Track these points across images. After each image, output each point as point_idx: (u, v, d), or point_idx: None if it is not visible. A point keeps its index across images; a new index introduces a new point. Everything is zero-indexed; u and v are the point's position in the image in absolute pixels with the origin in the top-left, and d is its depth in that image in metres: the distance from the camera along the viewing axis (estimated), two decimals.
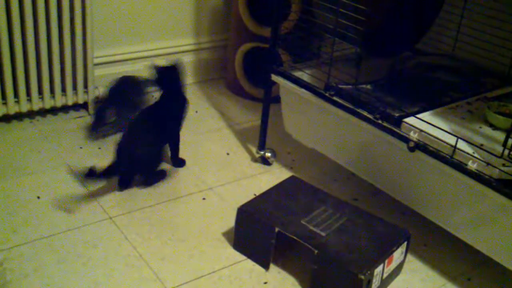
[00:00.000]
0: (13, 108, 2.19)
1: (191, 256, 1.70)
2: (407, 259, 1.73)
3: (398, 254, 1.65)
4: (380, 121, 1.73)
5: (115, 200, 1.90)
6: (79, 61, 2.27)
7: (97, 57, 2.43)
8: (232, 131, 2.44)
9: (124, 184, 1.95)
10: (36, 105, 2.24)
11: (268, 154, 2.21)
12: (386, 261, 1.59)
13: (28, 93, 2.21)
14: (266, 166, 2.21)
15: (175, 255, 1.69)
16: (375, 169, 1.86)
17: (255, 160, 2.24)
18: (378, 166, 1.85)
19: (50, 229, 1.72)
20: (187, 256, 1.69)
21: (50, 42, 2.18)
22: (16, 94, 2.19)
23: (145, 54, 2.61)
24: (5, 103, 2.18)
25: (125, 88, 2.19)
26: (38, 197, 1.86)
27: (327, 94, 1.88)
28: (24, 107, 2.21)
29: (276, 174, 2.15)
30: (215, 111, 2.60)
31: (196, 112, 2.56)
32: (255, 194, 1.91)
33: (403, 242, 1.66)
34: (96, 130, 2.19)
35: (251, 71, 2.70)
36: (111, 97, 2.18)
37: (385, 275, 1.61)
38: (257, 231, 1.70)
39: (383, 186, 1.85)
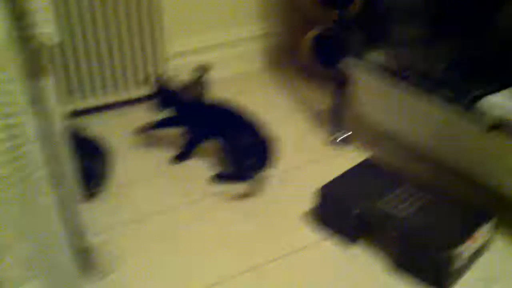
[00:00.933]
0: (101, 99, 2.33)
1: (273, 237, 1.75)
2: (491, 239, 1.71)
3: (481, 234, 1.63)
4: (454, 102, 1.71)
5: (203, 184, 1.99)
6: (150, 54, 2.36)
7: (167, 50, 2.50)
8: (306, 114, 2.47)
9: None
10: (123, 95, 2.36)
11: (343, 136, 2.23)
12: (469, 240, 1.58)
13: (115, 85, 2.34)
14: (341, 149, 2.23)
15: (258, 236, 1.76)
16: (452, 150, 1.84)
17: (330, 142, 2.26)
18: (455, 147, 1.82)
19: (141, 211, 1.84)
20: (269, 237, 1.75)
21: (121, 36, 2.28)
22: (93, 89, 2.32)
23: (215, 42, 2.67)
24: (94, 95, 2.32)
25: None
26: (129, 183, 1.97)
27: (399, 76, 1.87)
28: (112, 98, 2.34)
29: (352, 156, 2.15)
30: (287, 95, 2.63)
31: (271, 95, 2.61)
32: (332, 176, 1.93)
33: (486, 222, 1.64)
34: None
35: (322, 53, 2.70)
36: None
37: (467, 255, 1.60)
38: (337, 213, 1.73)
39: (461, 167, 1.83)
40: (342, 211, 1.71)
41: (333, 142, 2.24)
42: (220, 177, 1.99)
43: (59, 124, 1.40)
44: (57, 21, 1.26)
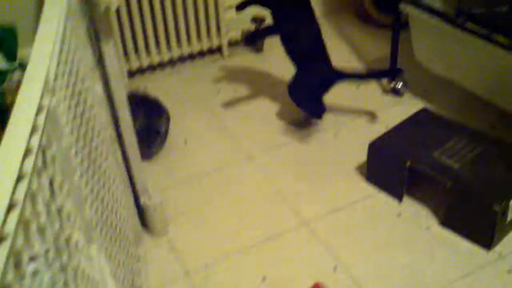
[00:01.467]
0: (155, 58, 2.39)
1: (325, 191, 1.80)
2: None
3: None
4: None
5: (257, 140, 2.04)
6: (211, 7, 2.39)
7: (227, 1, 2.52)
8: (362, 62, 2.45)
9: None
10: (176, 53, 2.42)
11: (399, 85, 2.20)
12: None
13: (168, 43, 2.40)
14: (397, 97, 2.21)
15: (310, 190, 1.81)
16: (508, 96, 1.79)
17: (386, 91, 2.24)
18: (508, 88, 1.77)
19: (197, 170, 1.92)
20: (322, 191, 1.80)
21: None
22: (157, 45, 2.39)
23: None
24: (149, 54, 2.38)
25: None
26: (185, 141, 2.06)
27: (458, 21, 1.81)
28: (166, 56, 2.41)
29: (408, 105, 2.13)
30: (344, 43, 2.60)
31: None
32: (387, 127, 1.93)
33: None
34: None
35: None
36: None
37: None
38: (389, 166, 1.75)
39: None
40: (393, 165, 1.72)
41: (391, 90, 2.22)
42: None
43: (121, 86, 1.49)
44: None
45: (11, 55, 1.73)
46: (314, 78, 1.98)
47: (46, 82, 0.83)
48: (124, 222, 1.44)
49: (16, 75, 1.69)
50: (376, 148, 1.76)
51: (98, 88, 1.37)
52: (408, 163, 1.66)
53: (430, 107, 2.10)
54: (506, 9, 1.84)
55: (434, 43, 1.99)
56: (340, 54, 2.50)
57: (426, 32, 1.99)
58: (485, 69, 1.85)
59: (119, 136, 1.55)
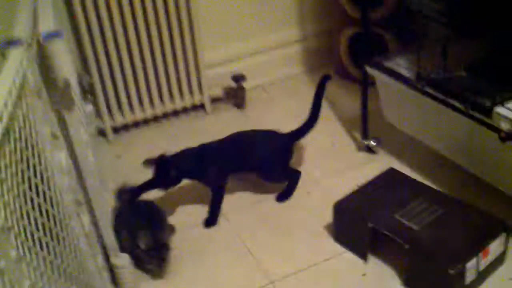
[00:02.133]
0: (139, 115, 2.48)
1: (295, 250, 1.84)
2: (506, 251, 1.71)
3: (495, 246, 1.64)
4: (470, 112, 1.71)
5: (231, 198, 2.09)
6: (191, 65, 2.49)
7: (207, 59, 2.61)
8: (338, 119, 2.51)
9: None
10: (159, 109, 2.51)
11: (373, 143, 2.26)
12: (481, 254, 1.59)
13: (151, 100, 2.49)
14: (371, 155, 2.26)
15: (281, 249, 1.85)
16: (473, 158, 1.84)
17: (360, 149, 2.30)
18: (475, 155, 1.82)
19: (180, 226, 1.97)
20: (292, 250, 1.84)
21: (164, 51, 2.42)
22: (140, 102, 2.48)
23: (253, 49, 2.75)
24: (132, 111, 2.47)
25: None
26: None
27: (418, 85, 1.88)
28: (149, 112, 2.50)
29: (382, 162, 2.18)
30: (323, 99, 2.67)
31: (303, 101, 2.65)
32: (357, 186, 1.98)
33: (500, 233, 1.64)
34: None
35: (357, 55, 2.73)
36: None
37: (481, 268, 1.61)
38: (352, 226, 1.79)
39: (482, 175, 1.83)
40: (356, 226, 1.77)
41: (365, 147, 2.28)
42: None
43: (87, 153, 1.56)
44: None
45: None
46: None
47: None
48: (87, 285, 1.48)
49: None
50: (340, 209, 1.81)
51: (62, 156, 1.44)
52: (370, 225, 1.71)
53: (403, 165, 2.16)
54: (465, 72, 1.91)
55: (399, 105, 2.06)
56: (322, 110, 2.57)
57: (391, 94, 2.06)
58: (445, 131, 1.90)
59: (89, 200, 1.62)
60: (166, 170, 1.90)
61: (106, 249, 1.69)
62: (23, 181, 1.16)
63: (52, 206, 1.30)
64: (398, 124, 2.13)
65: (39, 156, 1.28)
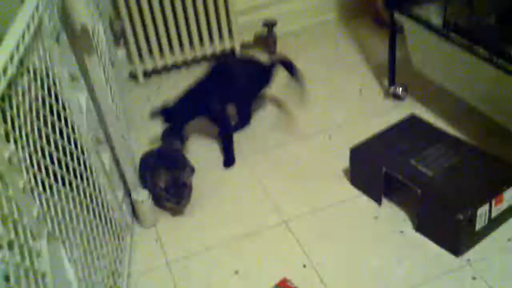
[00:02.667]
0: (169, 60, 2.53)
1: (310, 191, 1.88)
2: None
3: (509, 194, 1.62)
4: (495, 59, 1.66)
5: (251, 141, 2.15)
6: (222, 11, 2.50)
7: (238, 5, 2.61)
8: (369, 66, 2.48)
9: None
10: (189, 55, 2.55)
11: (399, 90, 2.23)
12: (494, 200, 1.58)
13: (181, 46, 2.53)
14: (398, 102, 2.24)
15: (296, 190, 1.90)
16: (497, 106, 1.80)
17: (387, 96, 2.28)
18: (500, 104, 1.78)
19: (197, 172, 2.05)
20: (307, 191, 1.89)
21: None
22: (171, 48, 2.53)
23: None
24: (162, 56, 2.53)
25: None
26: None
27: (444, 32, 1.83)
28: (179, 58, 2.54)
29: (408, 110, 2.15)
30: (356, 46, 2.64)
31: (336, 48, 2.64)
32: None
33: None
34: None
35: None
36: None
37: (493, 215, 1.61)
38: (368, 170, 1.80)
39: (506, 124, 1.79)
40: (371, 170, 1.78)
41: (393, 94, 2.25)
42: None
43: (106, 95, 1.63)
44: None
45: None
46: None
47: None
48: (106, 216, 1.59)
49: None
50: (357, 153, 1.83)
51: (81, 96, 1.52)
52: (384, 169, 1.72)
53: (429, 112, 2.13)
54: (493, 20, 1.84)
55: (427, 52, 2.02)
56: (348, 58, 2.56)
57: (419, 40, 2.01)
58: (473, 80, 1.86)
59: (110, 139, 1.70)
60: (173, 116, 2.02)
61: (127, 185, 1.78)
62: (38, 119, 1.25)
63: (69, 143, 1.39)
64: (425, 71, 2.09)
65: (56, 95, 1.36)
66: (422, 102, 2.21)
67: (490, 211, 1.59)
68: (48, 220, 1.18)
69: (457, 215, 1.54)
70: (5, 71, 1.05)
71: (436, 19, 1.92)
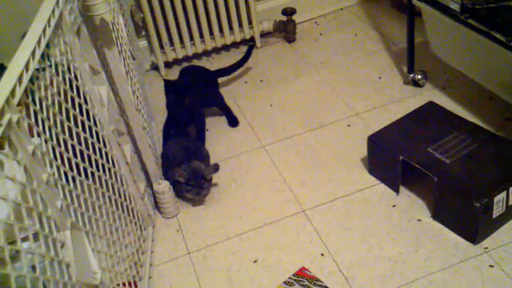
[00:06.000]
0: (190, 50, 2.56)
1: (329, 180, 1.90)
2: None
3: None
4: (511, 43, 1.65)
5: (271, 130, 2.17)
6: (241, 0, 2.51)
7: None
8: (388, 53, 2.48)
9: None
10: (209, 45, 2.57)
11: (419, 76, 2.22)
12: (511, 188, 1.58)
13: (202, 36, 2.56)
14: (417, 89, 2.23)
15: (314, 180, 1.92)
16: None
17: (406, 82, 2.27)
18: None
19: (212, 157, 2.08)
20: (325, 181, 1.90)
21: None
22: (191, 38, 2.55)
23: None
24: (183, 47, 2.56)
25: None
26: (206, 129, 2.23)
27: (462, 17, 1.82)
28: (200, 48, 2.57)
29: (427, 96, 2.17)
30: (375, 32, 2.63)
31: (356, 35, 2.63)
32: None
33: None
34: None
35: None
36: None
37: (511, 202, 1.60)
38: (386, 158, 1.81)
39: None
40: (388, 158, 1.79)
41: (412, 80, 2.24)
42: None
43: (127, 87, 1.67)
44: None
45: None
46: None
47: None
48: (128, 207, 1.63)
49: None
50: (374, 141, 1.83)
51: (102, 89, 1.56)
52: (401, 157, 1.73)
53: (448, 98, 2.12)
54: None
55: (445, 37, 2.00)
56: (367, 45, 2.55)
57: (437, 25, 2.00)
58: (490, 65, 1.84)
59: (131, 131, 1.74)
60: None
61: (149, 176, 1.83)
62: (60, 112, 1.29)
63: (91, 135, 1.44)
64: (444, 56, 2.08)
65: (77, 89, 1.40)
66: (441, 88, 2.20)
67: (507, 198, 1.59)
68: (72, 212, 1.23)
69: (474, 202, 1.54)
70: (27, 67, 1.10)
71: (454, 4, 1.90)
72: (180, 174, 1.81)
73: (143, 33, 2.54)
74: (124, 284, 1.49)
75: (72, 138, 1.31)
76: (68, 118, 1.32)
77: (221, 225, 1.81)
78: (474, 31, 1.79)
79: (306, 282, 1.59)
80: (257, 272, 1.65)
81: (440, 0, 1.94)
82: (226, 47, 2.68)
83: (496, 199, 1.56)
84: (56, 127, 1.24)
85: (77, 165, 1.32)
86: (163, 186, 1.80)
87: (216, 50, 2.66)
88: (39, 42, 1.17)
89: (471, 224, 1.59)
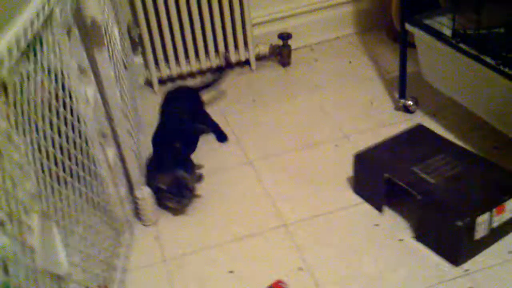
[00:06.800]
0: (185, 69, 2.58)
1: (313, 197, 1.89)
2: None
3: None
4: (501, 68, 1.66)
5: (259, 147, 2.16)
6: (238, 22, 2.55)
7: (255, 17, 2.66)
8: (382, 80, 2.49)
9: None
10: (204, 64, 2.60)
11: (410, 102, 2.23)
12: (495, 210, 1.56)
13: (197, 55, 2.58)
14: (407, 115, 2.24)
15: (298, 196, 1.90)
16: (507, 119, 1.78)
17: (397, 108, 2.28)
18: (509, 115, 1.76)
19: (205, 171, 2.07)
20: (309, 197, 1.89)
21: (211, 7, 2.49)
22: (187, 56, 2.58)
23: (302, 9, 2.76)
24: (178, 64, 2.58)
25: None
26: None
27: (453, 41, 1.84)
28: (195, 66, 2.59)
29: (417, 122, 2.14)
30: (369, 60, 2.66)
31: (350, 62, 2.66)
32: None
33: None
34: None
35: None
36: None
37: (494, 225, 1.58)
38: (370, 177, 1.80)
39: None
40: (373, 176, 1.77)
41: (403, 106, 2.25)
42: None
43: (114, 90, 1.67)
44: None
45: None
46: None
47: None
48: (106, 209, 1.61)
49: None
50: (361, 159, 1.83)
51: (89, 89, 1.56)
52: (386, 176, 1.71)
53: (438, 125, 2.12)
54: (502, 31, 1.84)
55: (437, 63, 2.02)
56: (361, 71, 2.57)
57: (430, 52, 2.02)
58: (480, 91, 1.85)
59: (116, 135, 1.74)
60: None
61: (131, 182, 1.81)
62: (44, 106, 1.29)
63: (73, 131, 1.43)
64: (435, 83, 2.09)
65: (63, 85, 1.41)
66: (431, 115, 2.20)
67: (491, 220, 1.57)
68: (43, 199, 1.21)
69: (456, 221, 1.52)
70: (10, 52, 1.10)
71: (446, 30, 1.93)
72: (162, 181, 1.80)
73: (140, 50, 2.57)
74: None
75: (52, 130, 1.31)
76: (50, 110, 1.33)
77: (200, 235, 1.79)
78: (464, 55, 1.81)
79: None
80: (232, 283, 1.61)
81: (433, 25, 1.97)
82: (221, 68, 2.70)
83: (479, 219, 1.54)
84: (37, 114, 1.23)
85: (55, 157, 1.31)
86: (145, 192, 1.79)
87: (211, 70, 2.68)
88: (25, 31, 1.18)
89: (453, 244, 1.57)
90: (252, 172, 2.04)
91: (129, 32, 2.46)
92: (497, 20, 1.85)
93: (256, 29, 2.68)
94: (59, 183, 1.32)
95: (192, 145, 2.13)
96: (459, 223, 1.51)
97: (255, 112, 2.37)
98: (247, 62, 2.69)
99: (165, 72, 2.57)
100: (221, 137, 2.22)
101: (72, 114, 1.44)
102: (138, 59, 2.58)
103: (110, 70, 1.63)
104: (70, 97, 1.45)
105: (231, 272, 1.64)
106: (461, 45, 1.82)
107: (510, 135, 1.83)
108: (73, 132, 1.43)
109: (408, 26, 2.05)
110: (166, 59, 2.56)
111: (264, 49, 2.68)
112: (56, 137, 1.33)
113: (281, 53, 2.69)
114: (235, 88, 2.57)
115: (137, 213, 1.84)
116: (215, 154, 2.16)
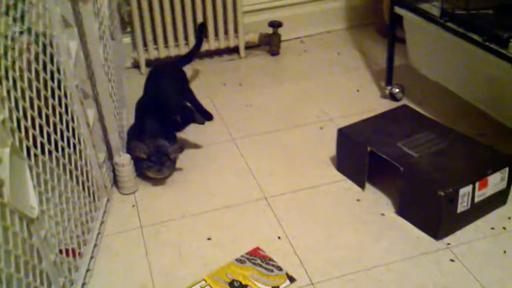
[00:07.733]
0: (173, 51, 2.57)
1: (295, 173, 1.86)
2: (508, 191, 1.64)
3: (496, 179, 1.58)
4: (487, 43, 1.66)
5: (244, 127, 2.14)
6: (230, 8, 2.54)
7: (247, 5, 2.66)
8: (369, 70, 2.49)
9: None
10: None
11: (396, 90, 2.23)
12: (477, 183, 1.54)
13: (186, 38, 2.57)
14: (393, 102, 2.23)
15: (280, 172, 1.87)
16: (493, 100, 1.78)
17: (384, 96, 2.27)
18: (496, 97, 1.76)
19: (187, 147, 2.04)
20: (292, 173, 1.86)
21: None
22: (176, 40, 2.56)
23: (292, 1, 2.76)
24: (166, 46, 2.56)
25: None
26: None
27: (441, 21, 1.84)
28: (183, 50, 2.57)
29: None
30: (358, 52, 2.66)
31: (338, 54, 2.66)
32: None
33: (502, 167, 1.58)
34: None
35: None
36: None
37: (476, 199, 1.56)
38: (353, 151, 1.78)
39: (502, 119, 1.77)
40: (356, 150, 1.75)
41: (389, 94, 2.24)
42: None
43: (97, 46, 1.64)
44: None
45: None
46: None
47: None
48: (82, 168, 1.57)
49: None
50: (344, 134, 1.80)
51: (72, 44, 1.53)
52: (369, 149, 1.69)
53: (424, 113, 2.11)
54: (492, 12, 1.85)
55: (425, 47, 2.02)
56: (349, 62, 2.57)
57: (418, 35, 2.02)
58: (468, 73, 1.85)
59: (96, 95, 1.71)
60: None
61: (110, 148, 1.77)
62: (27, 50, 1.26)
63: (52, 80, 1.40)
64: (423, 68, 2.09)
65: (44, 33, 1.38)
66: (418, 103, 2.19)
67: (473, 194, 1.54)
68: (16, 137, 1.17)
69: (438, 191, 1.49)
70: None
71: (435, 11, 1.93)
72: (142, 149, 1.76)
73: (128, 29, 2.55)
74: (66, 250, 1.42)
75: (30, 72, 1.28)
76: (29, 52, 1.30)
77: (179, 205, 1.75)
78: (452, 34, 1.80)
79: (258, 261, 1.51)
80: (209, 249, 1.57)
81: (422, 6, 1.97)
82: (209, 54, 2.69)
83: (461, 191, 1.52)
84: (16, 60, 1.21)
85: (31, 99, 1.28)
86: (124, 159, 1.75)
87: (199, 55, 2.67)
88: None
89: (435, 216, 1.54)
90: (235, 148, 2.01)
91: (119, 10, 2.44)
92: (485, 3, 1.85)
93: (247, 17, 2.67)
94: (34, 128, 1.28)
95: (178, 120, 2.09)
96: (441, 193, 1.49)
97: (241, 95, 2.35)
98: (236, 50, 2.68)
99: (153, 54, 2.55)
100: (205, 116, 2.19)
101: (52, 63, 1.41)
102: (126, 40, 2.56)
103: (94, 24, 1.61)
104: (51, 45, 1.42)
105: (209, 239, 1.60)
106: (449, 24, 1.82)
107: (497, 118, 1.82)
108: (52, 81, 1.40)
109: (397, 9, 2.05)
110: (155, 41, 2.54)
111: (253, 37, 2.68)
112: (34, 81, 1.30)
113: (270, 41, 2.68)
114: (222, 73, 2.55)
115: (116, 181, 1.80)
116: (198, 131, 2.13)
